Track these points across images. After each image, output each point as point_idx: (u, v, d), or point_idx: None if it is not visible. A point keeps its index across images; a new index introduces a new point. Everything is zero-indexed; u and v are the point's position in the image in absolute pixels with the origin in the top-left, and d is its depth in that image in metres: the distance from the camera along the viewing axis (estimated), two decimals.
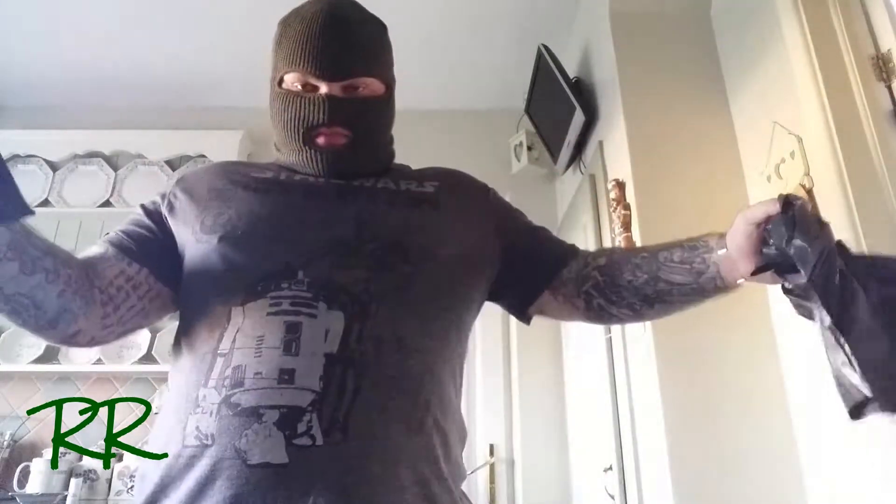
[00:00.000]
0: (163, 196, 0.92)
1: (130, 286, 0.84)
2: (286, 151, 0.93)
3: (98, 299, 0.81)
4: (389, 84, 0.94)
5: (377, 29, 0.95)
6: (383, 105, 0.94)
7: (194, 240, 0.85)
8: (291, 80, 0.89)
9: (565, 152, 2.56)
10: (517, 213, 1.06)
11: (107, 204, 2.95)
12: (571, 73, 2.51)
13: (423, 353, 0.80)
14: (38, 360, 2.64)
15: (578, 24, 2.60)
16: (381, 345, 0.76)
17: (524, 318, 1.00)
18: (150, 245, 0.87)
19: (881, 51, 1.45)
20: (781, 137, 1.61)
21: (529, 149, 2.90)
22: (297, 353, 0.72)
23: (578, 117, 2.33)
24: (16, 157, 3.02)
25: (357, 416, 0.71)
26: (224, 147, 2.97)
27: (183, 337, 0.83)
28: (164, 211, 0.90)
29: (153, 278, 0.86)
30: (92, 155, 3.04)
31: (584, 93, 2.42)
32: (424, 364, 0.79)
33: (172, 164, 3.07)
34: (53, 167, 3.03)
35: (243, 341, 0.74)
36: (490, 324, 2.84)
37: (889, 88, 1.43)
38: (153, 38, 2.76)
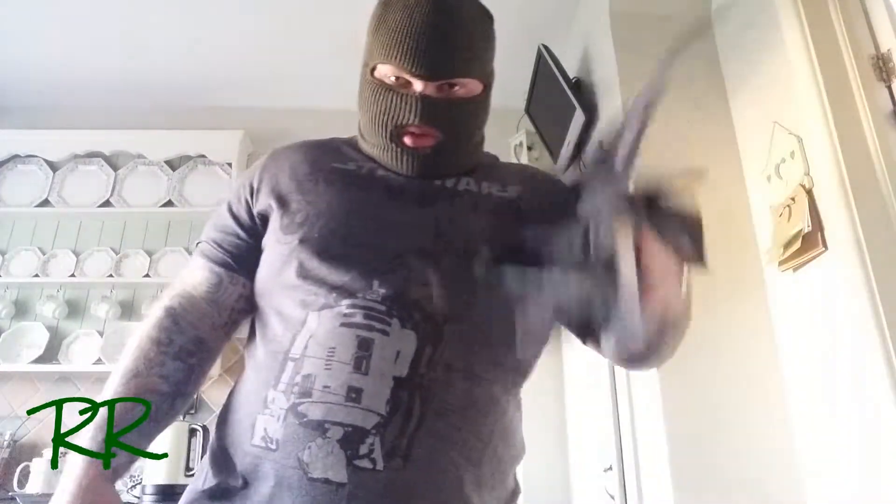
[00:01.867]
0: (251, 188, 0.90)
1: (245, 303, 0.87)
2: (370, 142, 0.89)
3: (224, 341, 0.89)
4: (488, 82, 0.89)
5: (483, 24, 0.88)
6: (478, 106, 0.88)
7: (274, 239, 0.84)
8: (385, 72, 0.84)
9: (565, 152, 2.56)
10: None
11: (107, 204, 2.95)
12: (571, 73, 2.51)
13: (490, 382, 0.78)
14: (38, 360, 2.64)
15: (578, 24, 2.59)
16: (451, 372, 0.74)
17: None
18: (248, 254, 0.87)
19: (881, 51, 1.45)
20: (781, 137, 1.61)
21: (529, 149, 2.90)
22: (366, 373, 0.71)
23: (578, 117, 2.33)
24: (16, 157, 3.03)
25: (420, 444, 0.70)
26: (224, 147, 2.97)
27: (258, 324, 0.84)
28: (252, 202, 0.89)
29: (251, 286, 0.87)
30: (92, 155, 3.04)
31: (584, 93, 2.42)
32: (491, 394, 0.78)
33: (172, 164, 3.06)
34: (53, 167, 3.03)
35: (315, 350, 0.73)
36: None
37: (889, 88, 1.43)
38: (153, 38, 2.76)
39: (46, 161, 3.02)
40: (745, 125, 1.87)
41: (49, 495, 0.77)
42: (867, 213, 1.31)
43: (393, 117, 0.83)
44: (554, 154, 2.69)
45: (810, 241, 1.45)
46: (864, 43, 1.47)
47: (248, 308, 0.87)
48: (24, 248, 2.90)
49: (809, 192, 1.47)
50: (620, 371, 1.92)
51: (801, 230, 1.45)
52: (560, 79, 2.36)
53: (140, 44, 2.79)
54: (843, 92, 1.43)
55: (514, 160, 2.95)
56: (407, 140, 0.85)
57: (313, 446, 0.68)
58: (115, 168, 3.05)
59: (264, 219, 0.87)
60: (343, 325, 0.73)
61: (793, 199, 1.52)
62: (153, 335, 0.83)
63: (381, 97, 0.84)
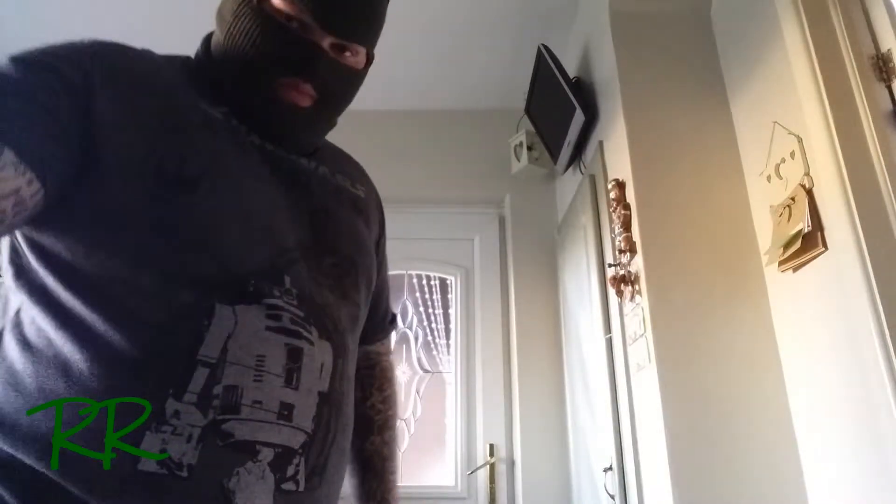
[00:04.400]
0: (86, 84, 0.63)
1: (15, 214, 0.54)
2: (231, 80, 0.74)
3: None
4: (371, 59, 0.82)
5: None
6: (360, 80, 0.80)
7: (141, 186, 0.62)
8: (282, 7, 0.71)
9: (565, 152, 2.56)
10: (385, 251, 0.99)
11: None
12: (571, 73, 2.51)
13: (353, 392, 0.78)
14: None
15: (578, 24, 2.60)
16: (350, 384, 0.72)
17: None
18: (57, 145, 0.58)
19: (881, 51, 1.45)
20: (781, 137, 1.61)
21: (529, 149, 2.90)
22: (296, 387, 0.63)
23: (578, 117, 2.33)
24: None
25: (331, 460, 0.67)
26: None
27: (90, 290, 0.60)
28: (89, 103, 0.62)
29: (41, 196, 0.56)
30: None
31: (584, 93, 2.42)
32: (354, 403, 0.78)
33: None
34: None
35: (239, 355, 0.60)
36: (490, 323, 2.84)
37: (889, 88, 1.43)
38: (155, 35, 2.76)
39: None
40: (745, 125, 1.87)
41: None
42: (867, 213, 1.31)
43: (283, 63, 0.71)
44: (554, 154, 2.69)
45: (810, 241, 1.45)
46: (864, 43, 1.47)
47: (11, 218, 0.55)
48: None
49: (809, 192, 1.47)
50: (620, 371, 1.92)
51: (801, 230, 1.46)
52: (560, 79, 2.36)
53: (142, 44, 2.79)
54: (843, 92, 1.43)
55: (514, 160, 2.96)
56: (283, 91, 0.72)
57: (242, 471, 0.58)
58: None
59: (103, 135, 0.61)
60: (269, 329, 0.63)
61: (793, 199, 1.52)
62: None
63: (276, 36, 0.71)
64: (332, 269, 0.73)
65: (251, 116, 0.74)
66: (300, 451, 0.63)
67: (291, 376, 0.63)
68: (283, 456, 0.61)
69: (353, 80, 0.79)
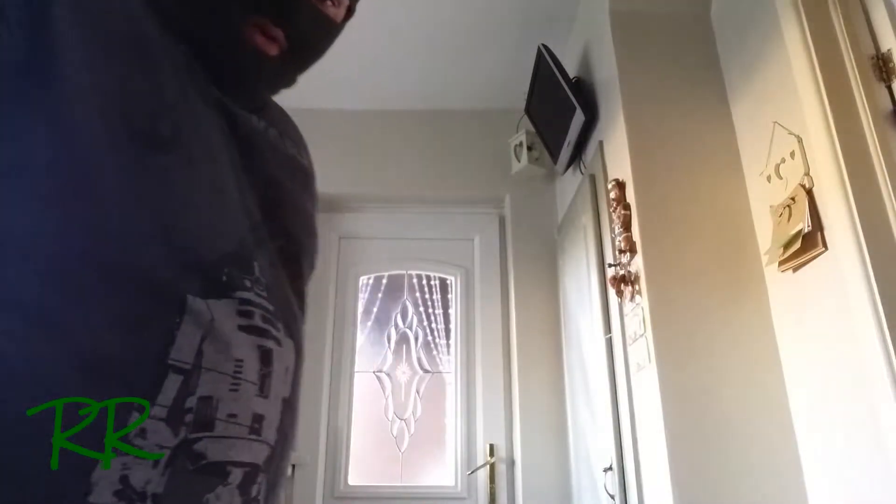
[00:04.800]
0: None
1: None
2: (187, 10, 0.60)
3: None
4: (352, 13, 0.72)
5: None
6: (336, 34, 0.70)
7: (107, 138, 0.49)
8: None
9: (565, 152, 2.56)
10: None
11: None
12: (571, 73, 2.51)
13: None
14: None
15: (578, 24, 2.60)
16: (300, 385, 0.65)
17: None
18: None
19: (881, 51, 1.45)
20: (781, 137, 1.61)
21: (529, 149, 2.90)
22: (267, 396, 0.54)
23: (578, 117, 2.33)
24: None
25: (281, 470, 0.59)
26: None
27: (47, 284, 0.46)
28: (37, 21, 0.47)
29: None
30: None
31: (584, 93, 2.42)
32: None
33: None
34: None
35: (215, 360, 0.50)
36: (490, 323, 2.84)
37: (889, 88, 1.43)
38: None
39: None
40: (745, 125, 1.87)
41: None
42: (867, 213, 1.31)
43: (253, 0, 0.61)
44: (554, 154, 2.69)
45: (810, 241, 1.45)
46: (864, 43, 1.47)
47: None
48: None
49: (809, 192, 1.47)
50: (620, 371, 1.92)
51: (801, 230, 1.46)
52: (560, 79, 2.36)
53: None
54: (843, 92, 1.43)
55: (514, 160, 2.95)
56: (250, 33, 0.61)
57: (212, 497, 0.48)
58: None
59: (63, 55, 0.47)
60: (241, 328, 0.53)
61: (793, 199, 1.52)
62: None
63: None
64: (283, 252, 0.63)
65: (207, 59, 0.61)
66: (263, 467, 0.54)
67: (264, 383, 0.54)
68: (250, 475, 0.52)
69: (330, 32, 0.69)
